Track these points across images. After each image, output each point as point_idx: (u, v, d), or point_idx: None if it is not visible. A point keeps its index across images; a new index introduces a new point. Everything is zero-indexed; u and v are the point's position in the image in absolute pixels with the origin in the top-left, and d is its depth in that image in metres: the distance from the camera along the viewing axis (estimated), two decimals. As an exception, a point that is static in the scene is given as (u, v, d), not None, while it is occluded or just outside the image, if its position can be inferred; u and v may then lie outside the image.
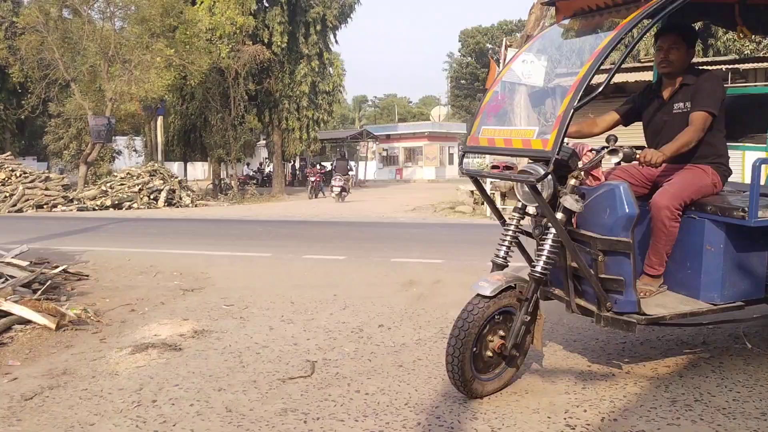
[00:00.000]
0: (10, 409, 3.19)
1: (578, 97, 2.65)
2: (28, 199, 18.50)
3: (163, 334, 4.54)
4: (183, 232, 12.61)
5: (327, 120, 30.32)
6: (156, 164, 22.84)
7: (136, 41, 21.19)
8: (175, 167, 31.01)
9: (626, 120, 3.73)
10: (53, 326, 4.56)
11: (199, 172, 40.14)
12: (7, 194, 18.62)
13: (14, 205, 18.08)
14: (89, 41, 20.79)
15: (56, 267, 6.54)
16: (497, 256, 3.33)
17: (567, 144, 3.00)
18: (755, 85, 13.27)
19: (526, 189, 3.07)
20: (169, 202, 20.02)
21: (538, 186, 2.92)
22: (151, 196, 19.91)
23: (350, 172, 25.15)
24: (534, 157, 2.92)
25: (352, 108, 78.03)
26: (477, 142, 3.30)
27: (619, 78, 13.94)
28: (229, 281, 6.63)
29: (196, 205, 20.40)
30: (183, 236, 11.67)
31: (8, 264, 5.91)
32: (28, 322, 4.65)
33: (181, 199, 20.46)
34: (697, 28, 4.29)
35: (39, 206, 18.30)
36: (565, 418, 2.92)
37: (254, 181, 31.26)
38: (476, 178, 3.53)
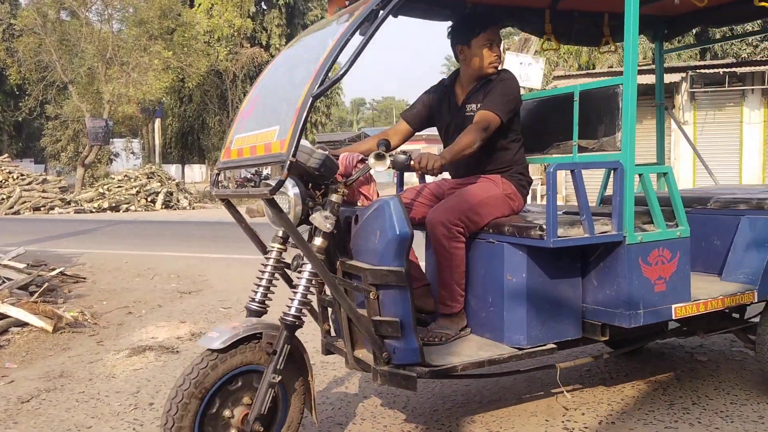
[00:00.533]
0: (6, 411, 3.18)
1: (318, 83, 2.17)
2: (25, 201, 18.50)
3: (161, 336, 4.54)
4: (180, 234, 12.60)
5: (325, 123, 30.47)
6: (153, 166, 22.88)
7: (134, 43, 21.24)
8: (173, 169, 31.03)
9: (417, 126, 3.29)
10: (50, 329, 4.56)
11: (196, 174, 40.14)
12: (5, 196, 18.63)
13: (11, 207, 18.08)
14: (87, 43, 20.84)
15: (53, 269, 6.53)
16: (252, 300, 2.63)
17: (312, 148, 2.47)
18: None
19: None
20: (166, 205, 20.04)
21: (280, 202, 2.35)
22: (149, 199, 19.93)
23: None
24: (276, 163, 2.23)
25: (350, 111, 78.25)
26: (230, 155, 2.69)
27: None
28: (227, 284, 6.62)
29: (193, 208, 20.40)
30: (180, 239, 11.66)
31: (5, 266, 5.91)
32: (25, 324, 4.65)
33: (178, 201, 20.48)
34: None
35: (36, 208, 18.30)
36: (563, 421, 2.92)
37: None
38: (228, 201, 2.87)
